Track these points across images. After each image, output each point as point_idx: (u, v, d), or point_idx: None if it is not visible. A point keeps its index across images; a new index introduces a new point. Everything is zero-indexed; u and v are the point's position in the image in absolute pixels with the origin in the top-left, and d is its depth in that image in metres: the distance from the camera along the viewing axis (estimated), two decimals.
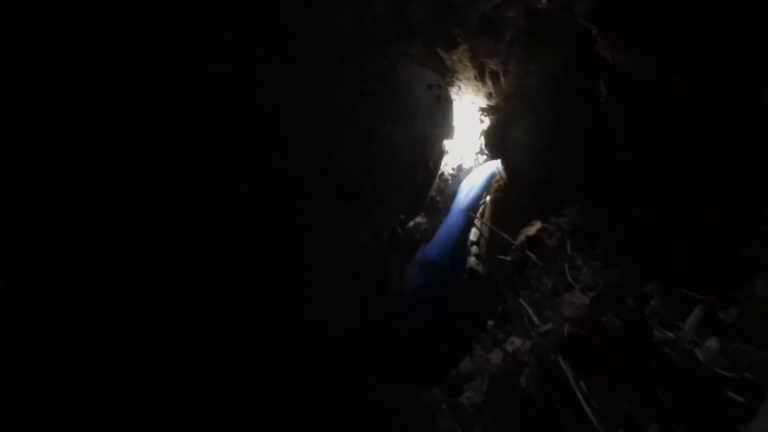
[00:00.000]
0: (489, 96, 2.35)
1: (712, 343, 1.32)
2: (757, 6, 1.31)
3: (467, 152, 2.49)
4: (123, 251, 2.02)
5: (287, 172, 2.27)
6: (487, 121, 2.32)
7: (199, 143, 2.12)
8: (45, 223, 1.82)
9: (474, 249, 2.45)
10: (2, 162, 1.61)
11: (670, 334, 1.40)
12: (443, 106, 2.05)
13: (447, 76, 2.38)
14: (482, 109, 2.35)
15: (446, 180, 2.51)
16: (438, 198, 2.64)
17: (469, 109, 2.40)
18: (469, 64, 2.36)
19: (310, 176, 2.31)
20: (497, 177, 2.34)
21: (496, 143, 2.32)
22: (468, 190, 2.43)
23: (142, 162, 2.00)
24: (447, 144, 2.32)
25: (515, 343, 1.83)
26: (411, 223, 2.57)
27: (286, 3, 2.07)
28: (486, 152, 2.38)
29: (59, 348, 1.87)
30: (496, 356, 1.90)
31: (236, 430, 1.90)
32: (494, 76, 2.32)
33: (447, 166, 2.53)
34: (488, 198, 2.39)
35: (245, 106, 2.18)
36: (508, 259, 2.17)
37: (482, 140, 2.34)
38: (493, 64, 2.30)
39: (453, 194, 2.52)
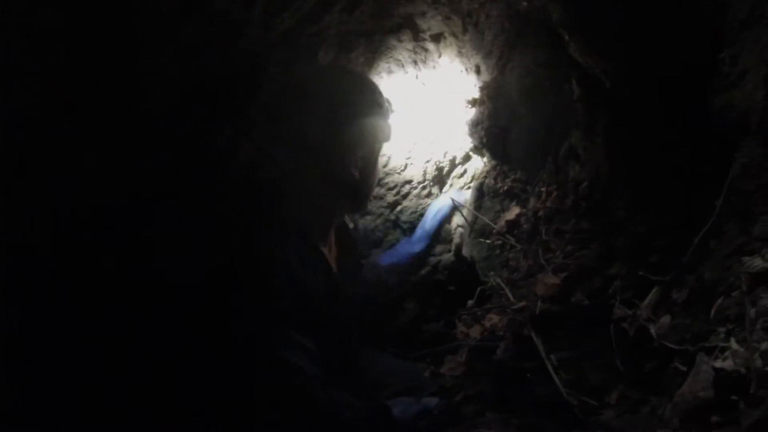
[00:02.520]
0: (473, 89, 2.49)
1: (665, 320, 1.48)
2: (705, 24, 1.46)
3: (453, 141, 2.64)
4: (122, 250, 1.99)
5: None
6: (470, 113, 2.46)
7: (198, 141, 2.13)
8: (42, 222, 1.81)
9: (459, 231, 2.60)
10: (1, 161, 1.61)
11: (629, 312, 1.56)
12: (372, 113, 1.95)
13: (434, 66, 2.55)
14: (467, 101, 2.50)
15: (441, 168, 2.66)
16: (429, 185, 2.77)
17: (454, 101, 2.56)
18: (456, 59, 2.50)
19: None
20: (483, 164, 2.49)
21: (477, 133, 2.48)
22: (434, 213, 2.53)
23: (141, 160, 2.00)
24: (386, 145, 2.29)
25: (493, 319, 1.99)
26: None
27: None
28: (470, 140, 2.53)
29: (57, 348, 1.85)
30: (475, 331, 2.06)
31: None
32: (477, 70, 2.46)
33: (433, 154, 2.69)
34: (472, 184, 2.55)
35: None
36: (489, 242, 2.32)
37: (466, 130, 2.48)
38: (476, 59, 2.44)
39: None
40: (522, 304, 1.75)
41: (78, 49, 1.65)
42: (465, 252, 2.50)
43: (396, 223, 2.80)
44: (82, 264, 1.90)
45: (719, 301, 1.27)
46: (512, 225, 2.24)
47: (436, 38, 2.55)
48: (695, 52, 1.53)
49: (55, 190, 1.81)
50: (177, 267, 2.00)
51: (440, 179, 2.82)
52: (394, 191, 2.84)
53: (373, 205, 2.78)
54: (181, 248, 2.01)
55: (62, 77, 1.68)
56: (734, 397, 1.01)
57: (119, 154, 1.92)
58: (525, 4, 1.94)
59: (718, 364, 1.07)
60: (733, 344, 1.08)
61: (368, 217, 2.81)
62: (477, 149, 2.55)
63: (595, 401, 1.55)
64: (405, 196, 2.84)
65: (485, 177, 2.49)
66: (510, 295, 1.86)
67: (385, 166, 2.74)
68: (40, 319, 1.80)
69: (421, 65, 2.61)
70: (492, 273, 2.20)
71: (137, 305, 1.99)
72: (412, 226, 2.72)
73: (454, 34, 2.48)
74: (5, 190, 1.67)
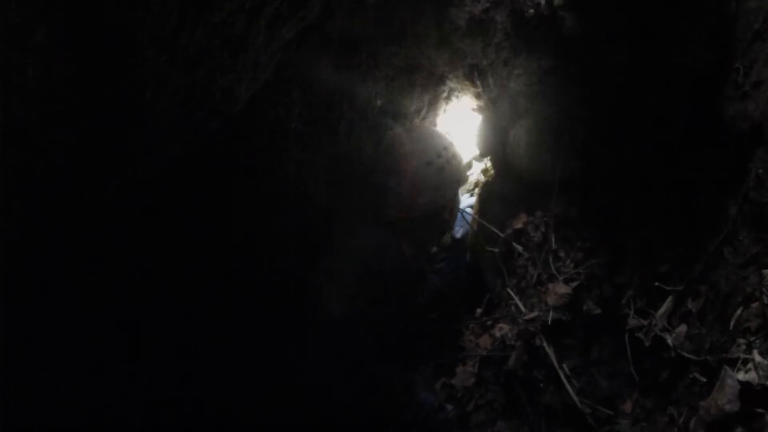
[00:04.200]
0: (478, 96, 2.49)
1: (681, 329, 1.48)
2: (716, 34, 1.47)
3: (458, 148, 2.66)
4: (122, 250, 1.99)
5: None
6: (475, 120, 2.47)
7: (204, 141, 2.13)
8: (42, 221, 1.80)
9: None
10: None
11: (643, 321, 1.56)
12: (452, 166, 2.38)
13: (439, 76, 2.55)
14: (472, 108, 2.50)
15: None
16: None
17: (458, 107, 2.57)
18: (459, 65, 2.49)
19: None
20: (488, 170, 2.50)
21: (482, 139, 2.47)
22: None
23: (143, 160, 1.99)
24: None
25: (503, 328, 1.98)
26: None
27: None
28: (475, 147, 2.54)
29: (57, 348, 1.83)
30: (485, 341, 2.06)
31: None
32: (483, 77, 2.46)
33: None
34: (477, 191, 2.55)
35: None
36: (496, 250, 2.31)
37: (471, 136, 2.49)
38: (481, 65, 2.43)
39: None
40: (534, 314, 1.74)
41: (78, 58, 1.65)
42: (470, 260, 2.49)
43: None
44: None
45: (738, 312, 1.26)
46: (519, 233, 2.23)
47: (439, 44, 2.54)
48: (705, 61, 1.54)
49: (58, 195, 1.81)
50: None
51: None
52: None
53: None
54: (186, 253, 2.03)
55: (62, 87, 1.68)
56: (759, 410, 1.00)
57: (123, 158, 1.91)
58: (532, 11, 1.94)
59: (741, 376, 1.07)
60: (756, 356, 1.08)
61: None
62: (482, 155, 2.55)
63: (609, 410, 1.54)
64: None
65: (490, 184, 2.48)
66: (521, 305, 1.85)
67: None
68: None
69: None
70: (499, 281, 2.19)
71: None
72: None
73: (457, 39, 2.47)
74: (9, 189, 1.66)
